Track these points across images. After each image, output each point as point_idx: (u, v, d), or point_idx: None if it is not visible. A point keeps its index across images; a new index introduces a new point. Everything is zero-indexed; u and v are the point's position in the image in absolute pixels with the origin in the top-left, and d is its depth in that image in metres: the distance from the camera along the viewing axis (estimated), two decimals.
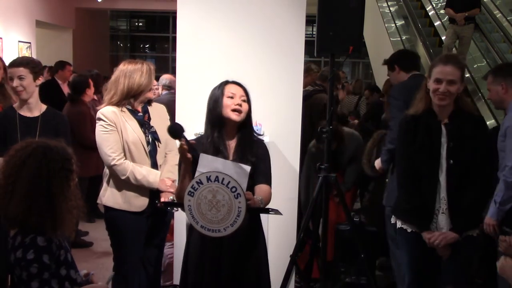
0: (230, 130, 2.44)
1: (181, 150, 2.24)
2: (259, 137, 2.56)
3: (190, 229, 2.43)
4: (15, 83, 3.01)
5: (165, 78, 5.35)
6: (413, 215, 2.62)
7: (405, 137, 2.64)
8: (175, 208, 2.96)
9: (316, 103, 4.44)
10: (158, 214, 3.00)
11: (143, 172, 2.87)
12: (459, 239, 2.51)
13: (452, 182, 2.52)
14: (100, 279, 2.23)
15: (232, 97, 2.38)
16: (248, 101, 2.43)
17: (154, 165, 2.96)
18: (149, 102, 3.04)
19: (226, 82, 2.45)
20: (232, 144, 2.44)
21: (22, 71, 3.03)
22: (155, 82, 3.00)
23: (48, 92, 6.47)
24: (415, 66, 3.71)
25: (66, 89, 6.63)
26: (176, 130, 2.27)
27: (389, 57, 3.89)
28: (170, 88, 5.21)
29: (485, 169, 2.55)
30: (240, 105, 2.38)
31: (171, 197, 2.90)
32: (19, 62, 3.08)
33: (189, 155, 2.23)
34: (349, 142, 4.19)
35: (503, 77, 3.15)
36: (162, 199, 2.90)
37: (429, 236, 2.53)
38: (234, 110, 2.36)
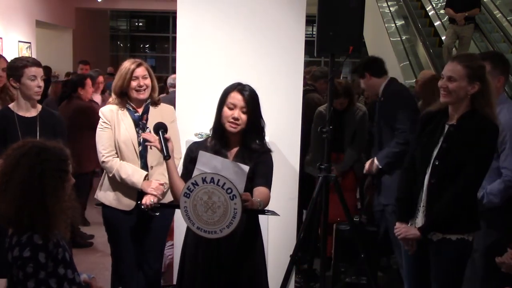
0: (233, 139, 2.42)
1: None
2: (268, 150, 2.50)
3: (188, 229, 2.43)
4: (41, 83, 3.00)
5: (172, 77, 5.73)
6: (398, 206, 2.71)
7: (418, 131, 2.69)
8: (156, 213, 2.91)
9: (308, 102, 4.47)
10: (148, 215, 2.97)
11: (128, 171, 2.89)
12: (421, 238, 2.50)
13: (432, 182, 2.51)
14: (100, 279, 2.24)
15: (232, 108, 2.36)
16: (249, 111, 2.36)
17: (145, 166, 2.95)
18: (154, 103, 3.03)
19: (233, 89, 2.39)
20: (233, 152, 2.43)
21: (42, 71, 3.06)
22: (143, 82, 2.93)
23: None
24: (385, 70, 3.78)
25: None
26: (158, 126, 2.41)
27: (358, 65, 3.98)
28: (175, 86, 5.38)
29: (468, 178, 2.42)
30: (237, 119, 2.35)
31: (152, 200, 2.84)
32: (39, 62, 3.07)
33: (155, 144, 2.37)
34: (354, 112, 4.32)
35: (501, 71, 3.00)
36: (144, 201, 2.85)
37: (396, 227, 2.61)
38: (230, 122, 2.35)
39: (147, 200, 2.85)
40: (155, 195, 2.88)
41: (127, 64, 2.93)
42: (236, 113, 2.35)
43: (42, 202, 1.81)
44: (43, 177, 1.81)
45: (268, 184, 2.38)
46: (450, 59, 2.59)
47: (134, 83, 2.90)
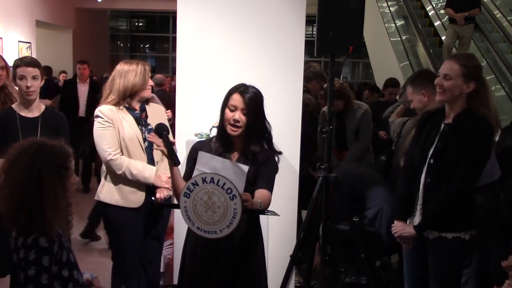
0: (236, 141, 2.42)
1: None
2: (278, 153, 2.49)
3: (189, 230, 2.43)
4: (30, 83, 2.96)
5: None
6: (397, 204, 2.73)
7: (416, 131, 2.70)
8: (168, 206, 2.98)
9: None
10: (155, 210, 3.02)
11: (138, 167, 2.90)
12: (417, 236, 2.53)
13: (428, 181, 2.53)
14: (100, 277, 2.23)
15: (233, 110, 2.35)
16: (250, 113, 2.34)
17: (151, 161, 2.98)
18: (146, 101, 3.07)
19: (235, 90, 2.38)
20: (235, 155, 2.42)
21: (36, 71, 3.01)
22: (151, 82, 3.02)
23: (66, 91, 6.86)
24: None
25: (83, 88, 6.83)
26: (161, 128, 2.39)
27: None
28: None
29: (463, 177, 2.44)
30: (238, 121, 2.33)
31: (166, 193, 2.93)
32: (33, 62, 3.04)
33: (162, 149, 2.33)
34: (355, 111, 4.34)
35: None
36: (158, 195, 2.92)
37: (394, 225, 2.64)
38: (231, 125, 2.34)
39: (161, 193, 2.92)
40: (167, 188, 2.93)
41: (139, 65, 2.94)
42: (237, 115, 2.33)
43: (40, 199, 1.79)
44: (41, 174, 1.79)
45: (269, 187, 2.37)
46: (448, 58, 2.62)
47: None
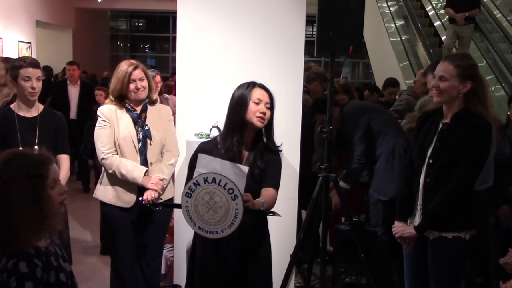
0: (249, 135, 2.43)
1: None
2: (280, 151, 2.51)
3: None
4: (35, 84, 2.97)
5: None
6: (397, 205, 2.71)
7: (415, 131, 2.70)
8: (157, 208, 2.96)
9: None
10: (146, 211, 3.01)
11: (128, 167, 2.91)
12: (418, 236, 2.53)
13: (428, 181, 2.53)
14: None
15: (258, 103, 2.37)
16: (271, 108, 2.41)
17: (144, 162, 2.98)
18: (152, 102, 3.07)
19: (254, 85, 2.42)
20: (246, 152, 2.43)
21: (39, 72, 3.03)
22: (140, 84, 2.96)
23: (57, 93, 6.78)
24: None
25: (74, 90, 6.77)
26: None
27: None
28: None
29: (462, 176, 2.43)
30: (265, 113, 2.37)
31: (154, 195, 2.90)
32: (36, 63, 3.04)
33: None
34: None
35: None
36: (145, 197, 2.91)
37: (394, 226, 2.63)
38: (258, 117, 2.36)
39: (148, 195, 2.91)
40: (155, 190, 2.92)
41: (124, 67, 2.95)
42: (263, 108, 2.38)
43: (8, 214, 1.67)
44: (8, 187, 1.68)
45: (276, 186, 2.40)
46: (442, 59, 2.61)
47: (132, 86, 2.95)
